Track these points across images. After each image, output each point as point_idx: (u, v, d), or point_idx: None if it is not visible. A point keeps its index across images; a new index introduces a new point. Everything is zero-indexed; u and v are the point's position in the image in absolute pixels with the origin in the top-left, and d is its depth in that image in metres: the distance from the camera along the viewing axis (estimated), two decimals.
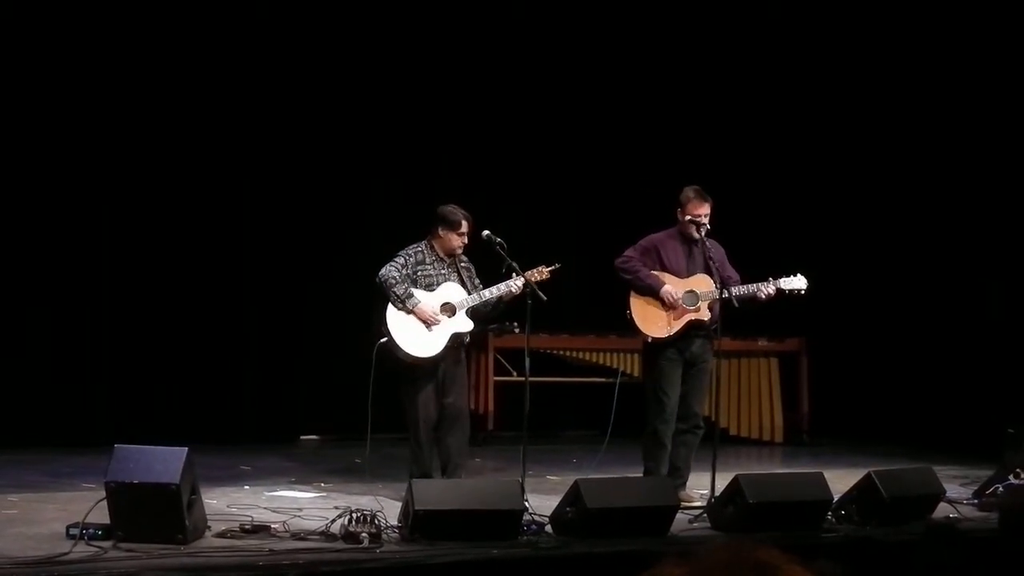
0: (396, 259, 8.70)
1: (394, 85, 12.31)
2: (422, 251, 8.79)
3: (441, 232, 8.75)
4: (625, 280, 8.90)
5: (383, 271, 8.63)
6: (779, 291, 8.80)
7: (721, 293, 8.61)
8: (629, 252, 8.94)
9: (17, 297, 10.98)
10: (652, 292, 8.79)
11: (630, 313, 8.90)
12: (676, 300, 8.72)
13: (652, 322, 8.84)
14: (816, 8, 13.08)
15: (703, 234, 8.76)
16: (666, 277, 8.83)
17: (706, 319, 8.81)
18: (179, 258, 11.53)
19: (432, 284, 8.71)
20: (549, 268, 8.70)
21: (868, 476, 8.00)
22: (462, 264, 8.87)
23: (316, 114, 12.05)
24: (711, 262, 8.77)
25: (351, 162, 12.22)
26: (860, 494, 7.99)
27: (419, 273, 8.71)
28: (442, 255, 8.79)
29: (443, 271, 8.76)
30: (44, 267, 11.05)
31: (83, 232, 11.22)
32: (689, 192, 8.87)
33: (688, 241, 8.90)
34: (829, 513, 7.88)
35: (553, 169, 12.95)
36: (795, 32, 13.21)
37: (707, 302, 8.78)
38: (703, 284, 8.79)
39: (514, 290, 8.58)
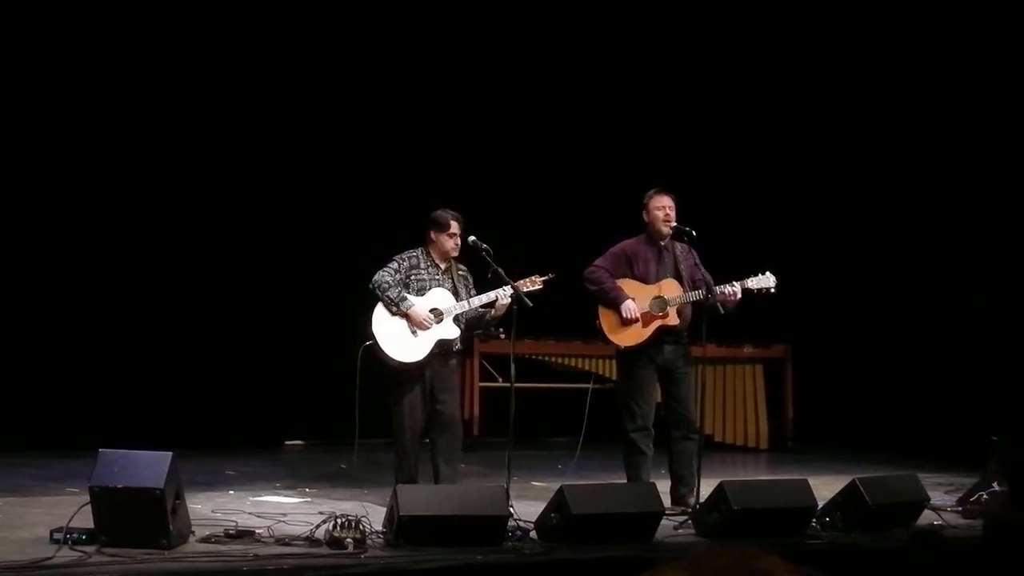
0: (390, 264, 8.72)
1: (380, 97, 12.37)
2: (417, 256, 8.80)
3: (433, 235, 8.78)
4: (591, 291, 8.92)
5: (376, 276, 8.65)
6: (747, 291, 8.77)
7: (706, 299, 8.62)
8: (598, 262, 8.96)
9: (2, 301, 10.94)
10: (614, 306, 8.81)
11: (599, 323, 8.92)
12: (633, 316, 8.73)
13: (621, 331, 8.84)
14: (793, 11, 13.10)
15: (673, 227, 8.78)
16: (634, 284, 8.83)
17: (675, 324, 8.81)
18: (166, 263, 11.52)
19: (424, 289, 8.71)
20: (543, 278, 8.70)
21: (853, 483, 8.00)
22: (459, 272, 8.87)
23: (304, 120, 12.08)
24: (681, 266, 8.80)
25: (337, 169, 12.23)
26: (845, 501, 7.99)
27: (412, 278, 8.72)
28: (438, 261, 8.80)
29: (437, 276, 8.77)
30: (30, 271, 11.02)
31: (72, 236, 11.19)
32: (650, 191, 8.95)
33: (657, 245, 8.91)
34: (814, 520, 7.88)
35: (539, 174, 12.99)
36: (780, 38, 13.25)
37: (676, 307, 8.79)
38: (672, 289, 8.80)
39: (502, 299, 8.55)
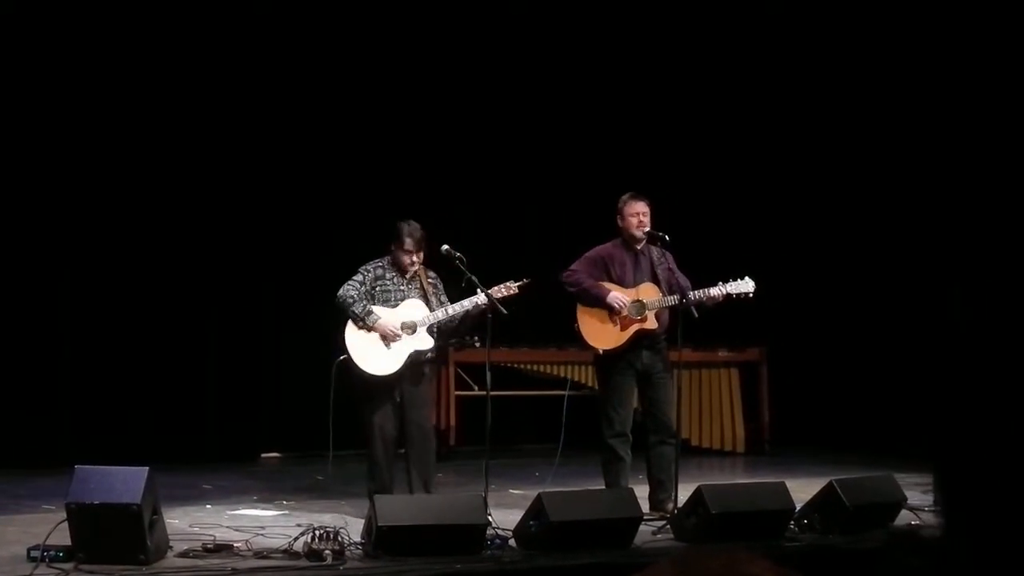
0: (354, 277, 8.67)
1: (351, 104, 12.29)
2: (382, 266, 8.75)
3: (393, 247, 8.72)
4: (571, 293, 8.91)
5: (341, 291, 8.61)
6: (727, 295, 8.80)
7: (681, 303, 8.63)
8: (575, 265, 8.96)
9: None
10: (599, 302, 8.79)
11: (578, 327, 8.92)
12: (624, 305, 8.73)
13: (599, 334, 8.84)
14: (763, 16, 13.12)
15: (646, 232, 8.79)
16: (611, 287, 8.85)
17: (654, 328, 8.81)
18: (138, 278, 11.45)
19: (390, 299, 8.66)
20: (517, 283, 8.67)
21: (830, 485, 8.03)
22: (428, 279, 8.80)
23: (273, 129, 11.98)
24: (658, 270, 8.82)
25: (308, 180, 12.17)
26: (822, 503, 8.02)
27: (378, 288, 8.67)
28: (404, 270, 8.75)
29: (403, 287, 8.71)
30: (2, 288, 10.96)
31: (41, 253, 11.10)
32: (624, 196, 8.97)
33: (633, 250, 8.92)
34: (792, 522, 7.91)
35: (511, 182, 12.96)
36: (751, 41, 13.28)
37: (654, 311, 8.80)
38: (649, 293, 8.81)
39: (480, 304, 8.52)
